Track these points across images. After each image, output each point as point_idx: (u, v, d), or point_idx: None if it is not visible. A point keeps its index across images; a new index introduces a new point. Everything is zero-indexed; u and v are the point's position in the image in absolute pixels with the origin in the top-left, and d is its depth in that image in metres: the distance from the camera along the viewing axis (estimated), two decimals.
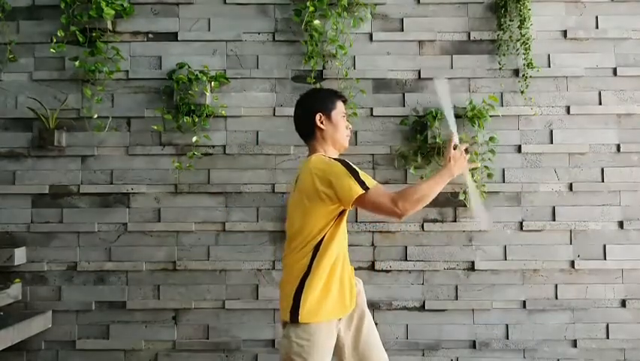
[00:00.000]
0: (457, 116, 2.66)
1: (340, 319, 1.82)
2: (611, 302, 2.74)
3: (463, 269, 2.76)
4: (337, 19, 2.69)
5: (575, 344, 2.73)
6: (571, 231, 2.76)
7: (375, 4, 2.81)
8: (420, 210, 2.71)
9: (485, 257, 2.76)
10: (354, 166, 1.74)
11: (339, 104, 1.91)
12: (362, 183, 1.68)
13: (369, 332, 1.89)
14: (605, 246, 2.76)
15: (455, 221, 2.77)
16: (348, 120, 1.95)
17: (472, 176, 2.23)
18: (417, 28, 2.83)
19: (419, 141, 2.72)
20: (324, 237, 1.74)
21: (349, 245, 2.71)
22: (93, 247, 2.75)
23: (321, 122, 1.86)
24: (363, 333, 1.87)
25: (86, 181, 2.78)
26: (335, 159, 1.77)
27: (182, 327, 2.74)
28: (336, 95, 1.92)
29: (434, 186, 1.75)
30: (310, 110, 1.88)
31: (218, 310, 2.74)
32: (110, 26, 2.76)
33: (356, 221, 2.76)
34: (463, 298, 2.75)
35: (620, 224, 2.76)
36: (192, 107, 2.68)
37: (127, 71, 2.81)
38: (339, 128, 1.87)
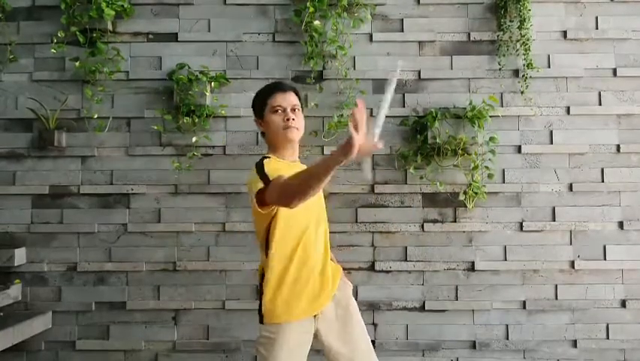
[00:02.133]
0: (457, 117, 2.68)
1: (317, 316, 1.75)
2: (611, 302, 2.74)
3: (463, 269, 2.76)
4: (337, 19, 2.69)
5: (575, 344, 2.73)
6: (571, 231, 2.76)
7: (375, 5, 2.81)
8: (420, 211, 2.77)
9: (485, 257, 2.76)
10: (264, 162, 1.66)
11: (270, 99, 1.75)
12: (265, 178, 1.58)
13: (354, 326, 1.82)
14: (605, 246, 2.76)
15: (455, 221, 2.77)
16: (291, 112, 1.75)
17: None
18: (417, 28, 2.84)
19: (419, 142, 2.73)
20: (268, 237, 1.69)
21: (350, 245, 2.74)
22: (93, 247, 2.75)
23: (260, 126, 1.81)
24: (347, 329, 1.80)
25: (86, 182, 2.78)
26: (263, 157, 1.72)
27: (182, 327, 2.74)
28: (265, 92, 1.79)
29: (316, 174, 1.41)
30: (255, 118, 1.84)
31: (218, 311, 2.74)
32: (110, 27, 2.76)
33: (356, 221, 2.76)
34: (463, 298, 2.75)
35: (620, 224, 2.76)
36: (192, 108, 2.69)
37: (127, 72, 2.81)
38: (271, 125, 1.74)
